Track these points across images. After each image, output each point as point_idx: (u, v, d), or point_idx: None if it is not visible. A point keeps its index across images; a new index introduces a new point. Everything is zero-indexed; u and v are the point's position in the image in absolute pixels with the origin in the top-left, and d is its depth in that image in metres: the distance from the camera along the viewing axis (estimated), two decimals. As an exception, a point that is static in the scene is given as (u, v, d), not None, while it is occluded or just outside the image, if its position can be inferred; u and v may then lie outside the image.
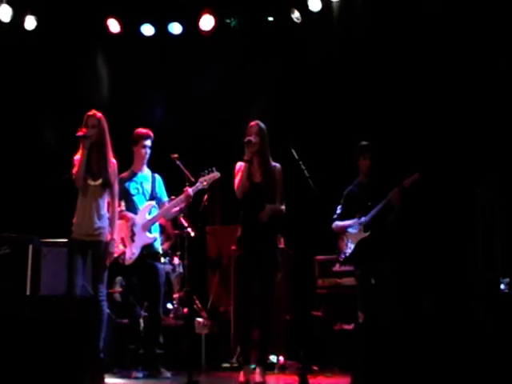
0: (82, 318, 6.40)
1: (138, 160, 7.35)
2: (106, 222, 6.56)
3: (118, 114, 9.74)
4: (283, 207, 6.57)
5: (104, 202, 6.60)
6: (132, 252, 7.11)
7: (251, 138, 6.48)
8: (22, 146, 9.92)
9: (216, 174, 6.93)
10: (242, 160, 6.56)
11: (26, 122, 9.97)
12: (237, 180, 6.56)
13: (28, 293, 7.59)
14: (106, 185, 6.55)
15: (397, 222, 7.02)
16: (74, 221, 6.56)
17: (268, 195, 6.51)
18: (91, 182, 6.48)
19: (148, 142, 7.27)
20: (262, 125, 6.63)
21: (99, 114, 6.59)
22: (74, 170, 6.50)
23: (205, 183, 6.93)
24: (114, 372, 7.19)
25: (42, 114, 10.00)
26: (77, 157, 6.53)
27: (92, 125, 6.50)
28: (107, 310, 6.73)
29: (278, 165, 6.67)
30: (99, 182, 6.51)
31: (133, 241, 7.13)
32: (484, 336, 4.90)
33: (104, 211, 6.58)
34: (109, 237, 6.55)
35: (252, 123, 6.64)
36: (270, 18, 9.75)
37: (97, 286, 6.51)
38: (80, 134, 6.42)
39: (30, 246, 7.68)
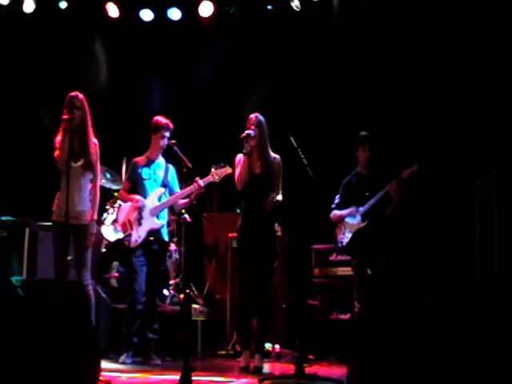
0: (70, 302, 6.40)
1: (154, 148, 7.36)
2: (87, 205, 6.56)
3: (117, 99, 9.78)
4: (280, 197, 6.71)
5: (86, 183, 6.60)
6: (138, 235, 7.13)
7: (250, 132, 6.61)
8: (20, 129, 9.90)
9: (228, 169, 6.96)
10: (241, 153, 6.69)
11: (24, 106, 9.94)
12: (237, 172, 6.71)
13: (24, 277, 7.60)
14: (88, 166, 6.56)
15: (395, 214, 7.05)
16: (56, 203, 6.58)
17: (267, 186, 6.65)
18: (73, 164, 6.41)
19: (168, 134, 7.29)
20: (261, 117, 6.77)
21: (81, 96, 6.57)
22: (57, 153, 6.50)
23: (216, 177, 6.97)
24: (109, 357, 7.21)
25: (40, 98, 9.96)
26: (58, 138, 6.54)
27: (76, 106, 6.47)
28: (92, 294, 6.67)
29: (277, 156, 6.82)
30: (81, 163, 6.50)
31: (140, 224, 7.14)
32: (480, 329, 4.93)
33: (86, 193, 6.58)
34: (89, 218, 6.56)
35: (251, 116, 6.77)
36: (269, 7, 9.70)
37: (80, 271, 6.52)
38: (66, 117, 6.40)
39: (27, 230, 7.68)
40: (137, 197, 7.18)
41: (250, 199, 6.71)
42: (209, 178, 6.98)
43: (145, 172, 7.28)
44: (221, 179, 7.01)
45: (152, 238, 7.16)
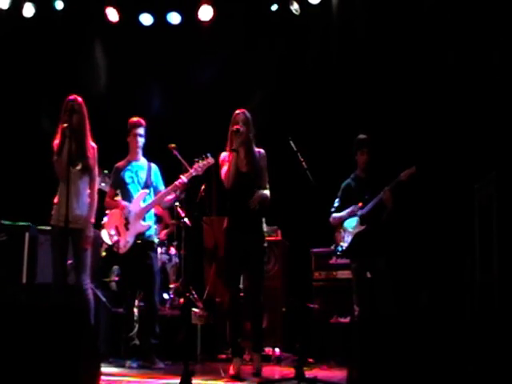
0: (69, 305, 6.38)
1: (132, 149, 7.38)
2: (85, 209, 6.56)
3: (116, 103, 9.78)
4: (267, 192, 6.58)
5: (85, 186, 6.60)
6: (126, 240, 7.12)
7: (239, 127, 6.49)
8: (19, 132, 9.90)
9: (210, 161, 6.92)
10: (226, 150, 6.61)
11: (24, 110, 9.95)
12: (223, 170, 6.58)
13: (24, 281, 7.59)
14: (86, 170, 6.55)
15: (391, 219, 7.04)
16: (55, 206, 6.59)
17: (255, 184, 6.54)
18: (71, 168, 6.38)
19: (140, 131, 7.28)
20: (248, 113, 6.66)
21: (80, 99, 6.58)
22: (55, 158, 6.52)
23: (199, 170, 6.92)
24: (109, 361, 7.22)
25: (40, 102, 9.97)
26: (56, 142, 6.55)
27: (74, 110, 6.47)
28: (92, 298, 6.66)
29: (261, 150, 6.70)
30: (78, 167, 6.50)
31: (127, 229, 7.14)
32: (479, 330, 4.93)
33: (84, 197, 6.58)
34: (86, 221, 6.55)
35: (237, 111, 6.65)
36: (274, 7, 9.68)
37: (79, 275, 6.52)
38: (65, 126, 6.42)
39: (27, 234, 7.66)
40: (122, 202, 7.18)
41: (237, 199, 6.54)
42: (191, 172, 6.93)
43: (127, 176, 7.29)
44: (204, 171, 6.97)
45: (140, 241, 7.16)
